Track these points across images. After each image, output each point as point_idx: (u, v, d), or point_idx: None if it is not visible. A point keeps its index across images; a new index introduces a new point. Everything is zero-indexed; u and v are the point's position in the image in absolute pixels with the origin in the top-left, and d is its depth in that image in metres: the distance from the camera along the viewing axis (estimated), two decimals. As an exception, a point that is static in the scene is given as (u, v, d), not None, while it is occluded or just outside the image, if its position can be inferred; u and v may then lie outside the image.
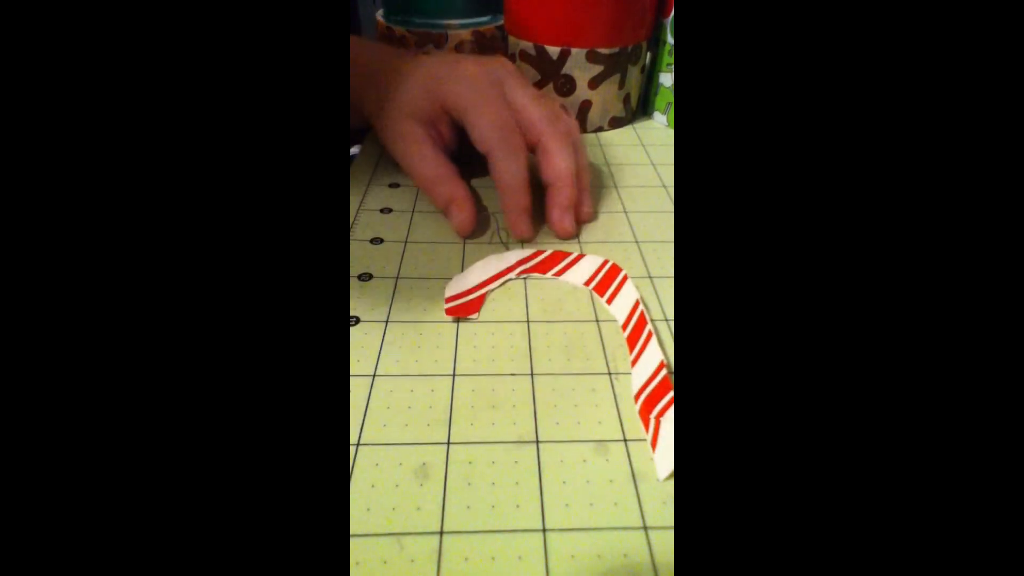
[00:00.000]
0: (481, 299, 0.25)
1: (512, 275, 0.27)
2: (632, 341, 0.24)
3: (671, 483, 0.18)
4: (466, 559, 0.16)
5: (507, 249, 0.29)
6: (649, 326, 0.24)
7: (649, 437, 0.20)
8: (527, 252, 0.29)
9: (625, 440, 0.19)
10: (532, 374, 0.22)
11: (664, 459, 0.19)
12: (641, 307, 0.25)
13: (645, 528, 0.17)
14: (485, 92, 0.29)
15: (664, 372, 0.22)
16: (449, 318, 0.24)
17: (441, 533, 0.17)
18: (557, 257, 0.28)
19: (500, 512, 0.17)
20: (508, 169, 0.28)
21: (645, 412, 0.20)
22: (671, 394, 0.21)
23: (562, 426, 0.20)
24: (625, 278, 0.27)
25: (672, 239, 0.30)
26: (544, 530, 0.17)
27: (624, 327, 0.24)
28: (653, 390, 0.21)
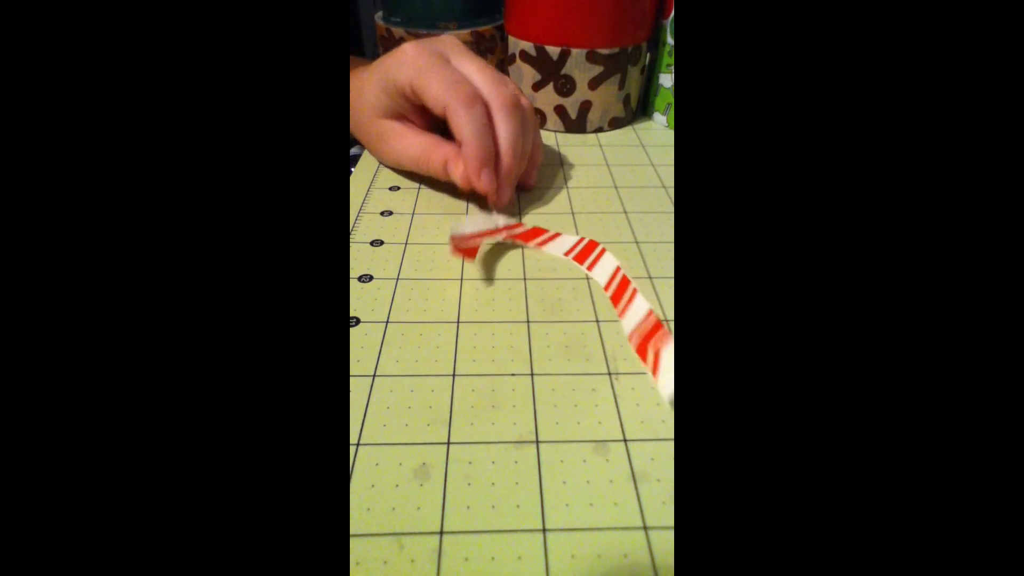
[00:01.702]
0: (477, 247, 0.27)
1: (500, 236, 0.29)
2: (616, 298, 0.25)
3: (671, 483, 0.18)
4: (466, 559, 0.16)
5: (495, 212, 0.31)
6: (633, 285, 0.26)
7: (649, 367, 0.22)
8: (512, 221, 0.30)
9: (625, 440, 0.19)
10: (532, 374, 0.22)
11: (667, 383, 0.21)
12: (623, 272, 0.27)
13: (645, 528, 0.17)
14: (429, 62, 0.29)
15: (654, 316, 0.24)
16: (450, 318, 0.24)
17: (441, 533, 0.17)
18: (537, 231, 0.30)
19: (500, 512, 0.17)
20: (465, 118, 0.28)
21: (642, 346, 0.23)
22: (663, 329, 0.23)
23: (562, 426, 0.20)
24: (603, 250, 0.28)
25: (672, 239, 0.30)
26: (544, 530, 0.17)
27: (607, 287, 0.26)
28: (648, 330, 0.23)
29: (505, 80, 0.30)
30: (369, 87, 0.32)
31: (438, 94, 0.28)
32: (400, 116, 0.32)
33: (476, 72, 0.30)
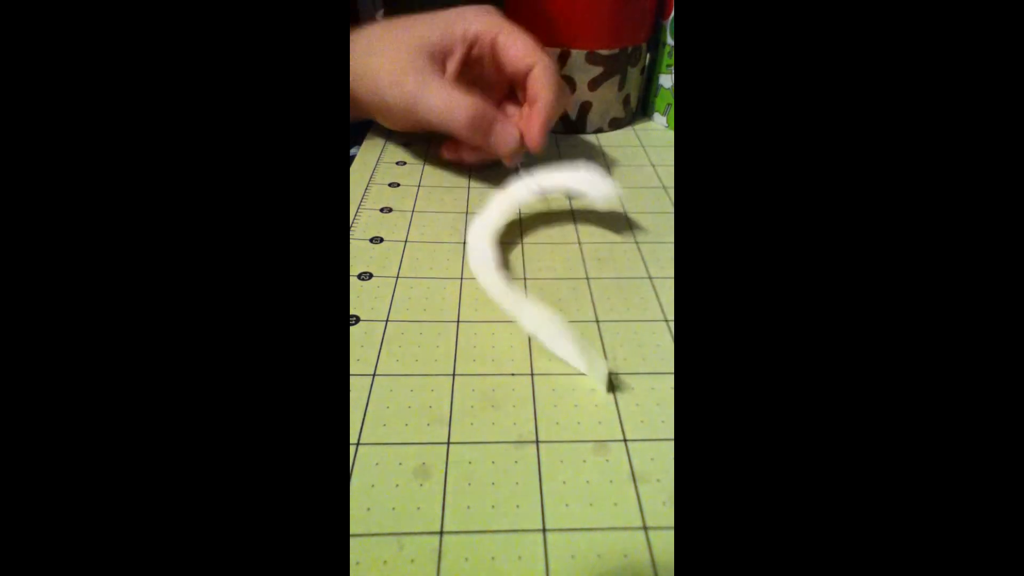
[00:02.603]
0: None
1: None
2: None
3: (671, 483, 0.18)
4: (466, 559, 0.16)
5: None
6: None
7: None
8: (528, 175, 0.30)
9: (625, 440, 0.19)
10: (532, 374, 0.22)
11: None
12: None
13: (645, 528, 0.17)
14: (504, 19, 0.32)
15: None
16: (450, 317, 0.24)
17: (441, 533, 0.17)
18: None
19: (500, 512, 0.17)
20: (554, 78, 0.31)
21: None
22: None
23: (562, 426, 0.20)
24: None
25: (672, 239, 0.30)
26: (544, 530, 0.17)
27: None
28: None
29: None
30: (418, 23, 0.32)
31: (529, 52, 0.31)
32: (438, 57, 0.32)
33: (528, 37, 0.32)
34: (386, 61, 0.32)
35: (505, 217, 0.28)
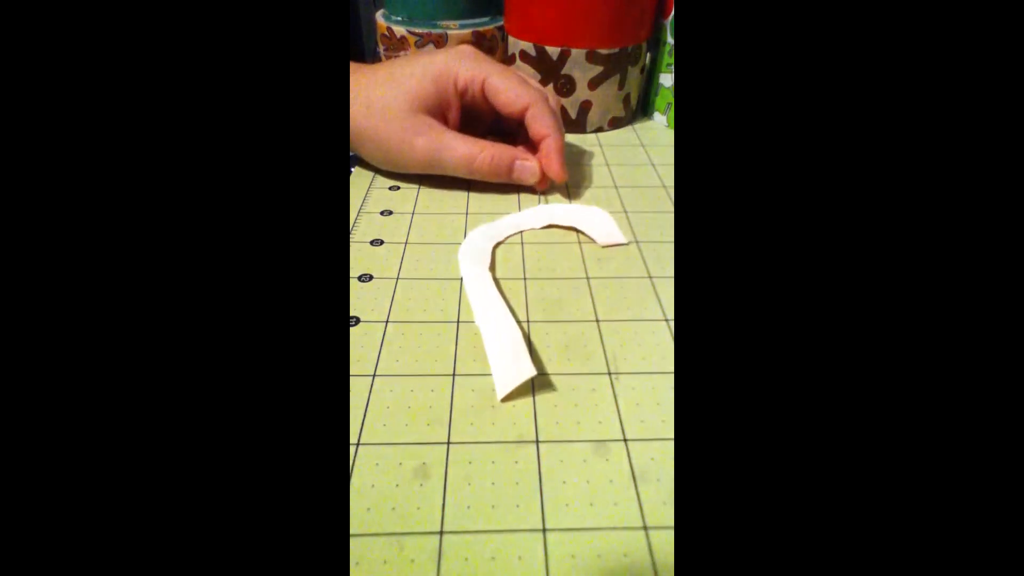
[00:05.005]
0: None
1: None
2: None
3: (671, 483, 0.18)
4: (466, 559, 0.16)
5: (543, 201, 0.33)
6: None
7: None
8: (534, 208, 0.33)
9: (625, 440, 0.19)
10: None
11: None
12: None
13: (645, 528, 0.17)
14: (496, 63, 0.33)
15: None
16: (450, 318, 0.24)
17: (441, 533, 0.17)
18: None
19: (500, 512, 0.17)
20: (550, 114, 0.32)
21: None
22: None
23: (562, 426, 0.20)
24: None
25: (672, 239, 0.30)
26: (544, 530, 0.17)
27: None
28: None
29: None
30: (408, 78, 0.31)
31: (521, 90, 0.32)
32: (439, 112, 0.32)
33: (520, 74, 0.34)
34: (390, 127, 0.32)
35: (508, 233, 0.30)
